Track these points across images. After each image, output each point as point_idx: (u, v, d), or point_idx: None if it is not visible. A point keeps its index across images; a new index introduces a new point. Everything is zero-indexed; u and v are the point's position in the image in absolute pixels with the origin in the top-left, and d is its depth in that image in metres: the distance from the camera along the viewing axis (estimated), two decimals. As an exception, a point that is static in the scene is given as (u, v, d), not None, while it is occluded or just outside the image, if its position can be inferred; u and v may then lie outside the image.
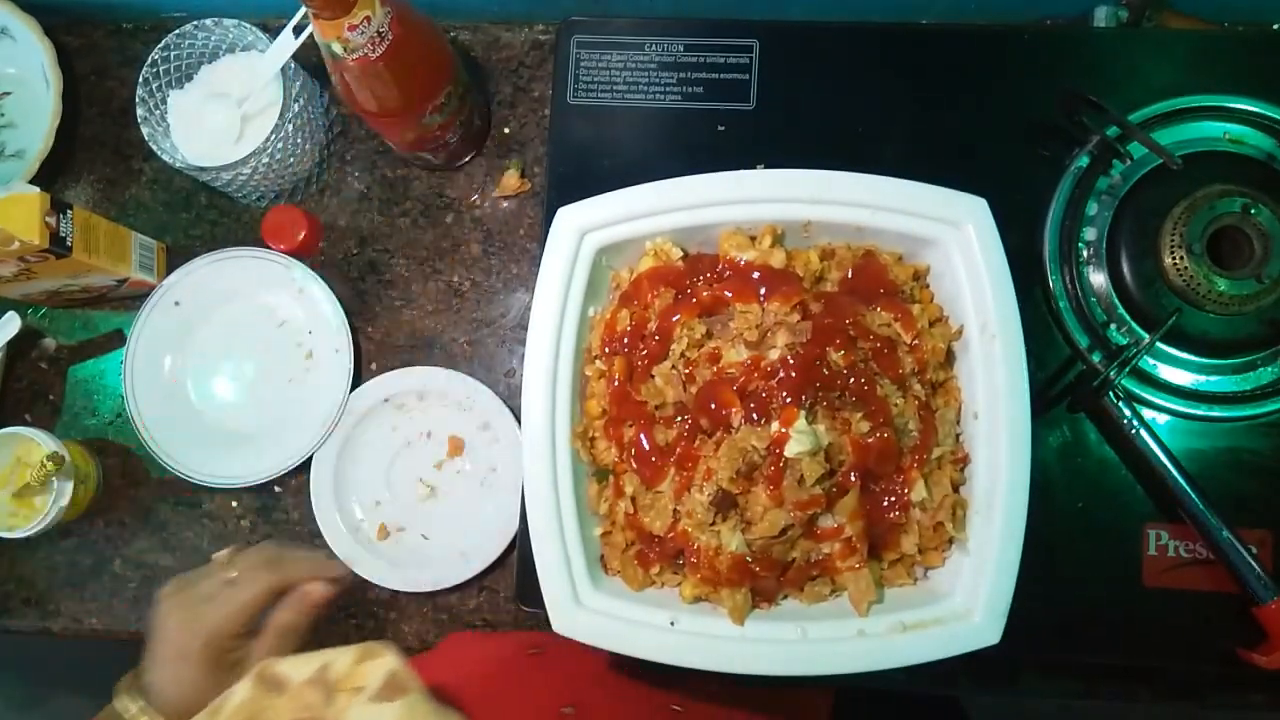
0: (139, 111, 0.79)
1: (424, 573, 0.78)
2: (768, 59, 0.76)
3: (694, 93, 0.76)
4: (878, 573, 0.63)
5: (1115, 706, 0.75)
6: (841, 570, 0.62)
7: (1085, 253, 0.70)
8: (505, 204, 0.84)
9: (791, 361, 0.60)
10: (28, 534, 0.77)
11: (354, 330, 0.82)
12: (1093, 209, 0.70)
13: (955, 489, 0.63)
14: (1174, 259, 0.66)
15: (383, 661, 0.49)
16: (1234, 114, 0.70)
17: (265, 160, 0.79)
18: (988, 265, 0.62)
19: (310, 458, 0.80)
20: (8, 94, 0.90)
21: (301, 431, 0.80)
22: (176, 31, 0.80)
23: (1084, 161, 0.71)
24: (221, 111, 0.81)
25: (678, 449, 0.62)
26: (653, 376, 0.64)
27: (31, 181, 0.83)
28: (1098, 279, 0.70)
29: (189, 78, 0.83)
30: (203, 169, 0.79)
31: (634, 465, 0.63)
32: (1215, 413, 0.68)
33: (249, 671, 0.49)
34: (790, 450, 0.58)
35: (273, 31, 0.79)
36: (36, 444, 0.78)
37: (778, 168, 0.65)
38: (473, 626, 0.79)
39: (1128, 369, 0.65)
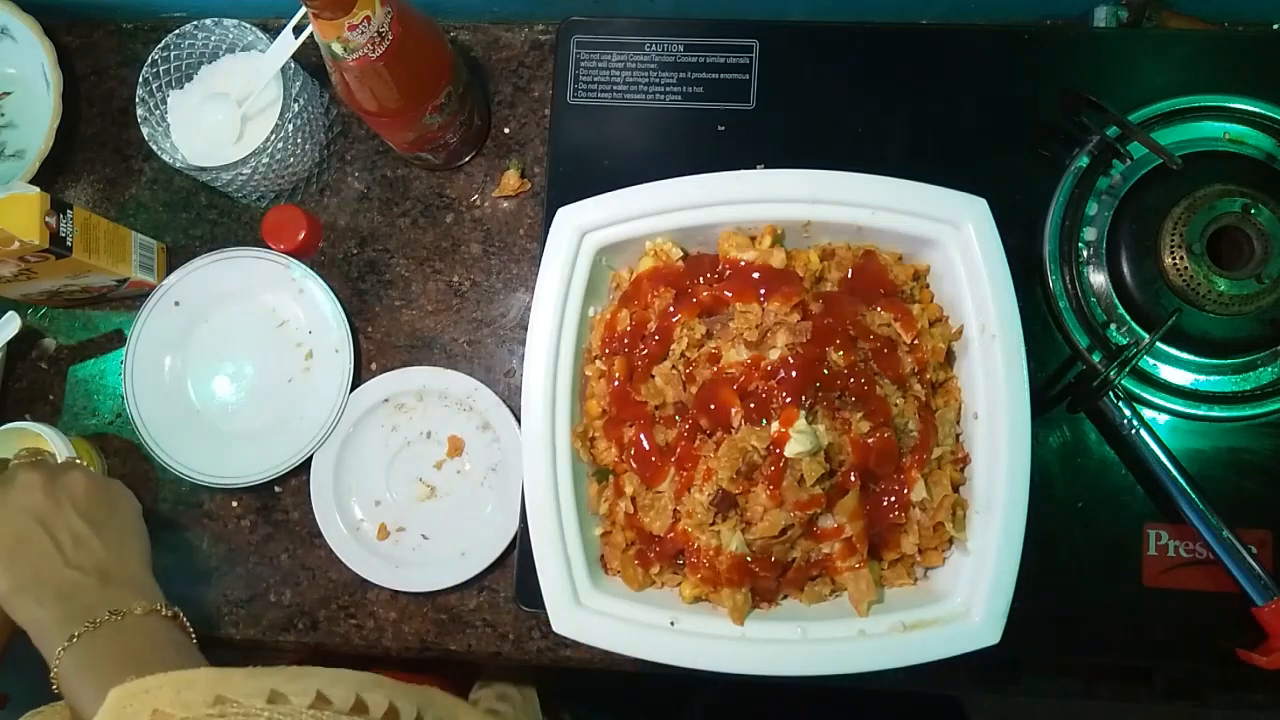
0: (139, 111, 0.79)
1: (424, 573, 0.78)
2: (768, 59, 0.76)
3: (694, 93, 0.76)
4: (878, 573, 0.63)
5: (1115, 706, 0.75)
6: (841, 570, 0.62)
7: (1085, 253, 0.70)
8: (505, 204, 0.84)
9: (791, 361, 0.60)
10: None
11: (354, 330, 0.82)
12: (1093, 209, 0.70)
13: (955, 489, 0.63)
14: (1174, 259, 0.66)
15: None
16: (1234, 114, 0.70)
17: (265, 160, 0.79)
18: (988, 265, 0.62)
19: (310, 458, 0.80)
20: (8, 94, 0.90)
21: (301, 431, 0.80)
22: (176, 31, 0.80)
23: (1084, 161, 0.71)
24: (221, 111, 0.81)
25: (678, 449, 0.62)
26: (653, 376, 0.64)
27: (31, 181, 0.83)
28: (1098, 279, 0.70)
29: (189, 78, 0.83)
30: (203, 169, 0.79)
31: (634, 465, 0.63)
32: (1215, 413, 0.68)
33: None
34: (790, 450, 0.58)
35: (273, 31, 0.79)
36: (42, 439, 0.78)
37: (778, 168, 0.65)
38: (472, 627, 0.79)
39: (1128, 369, 0.65)
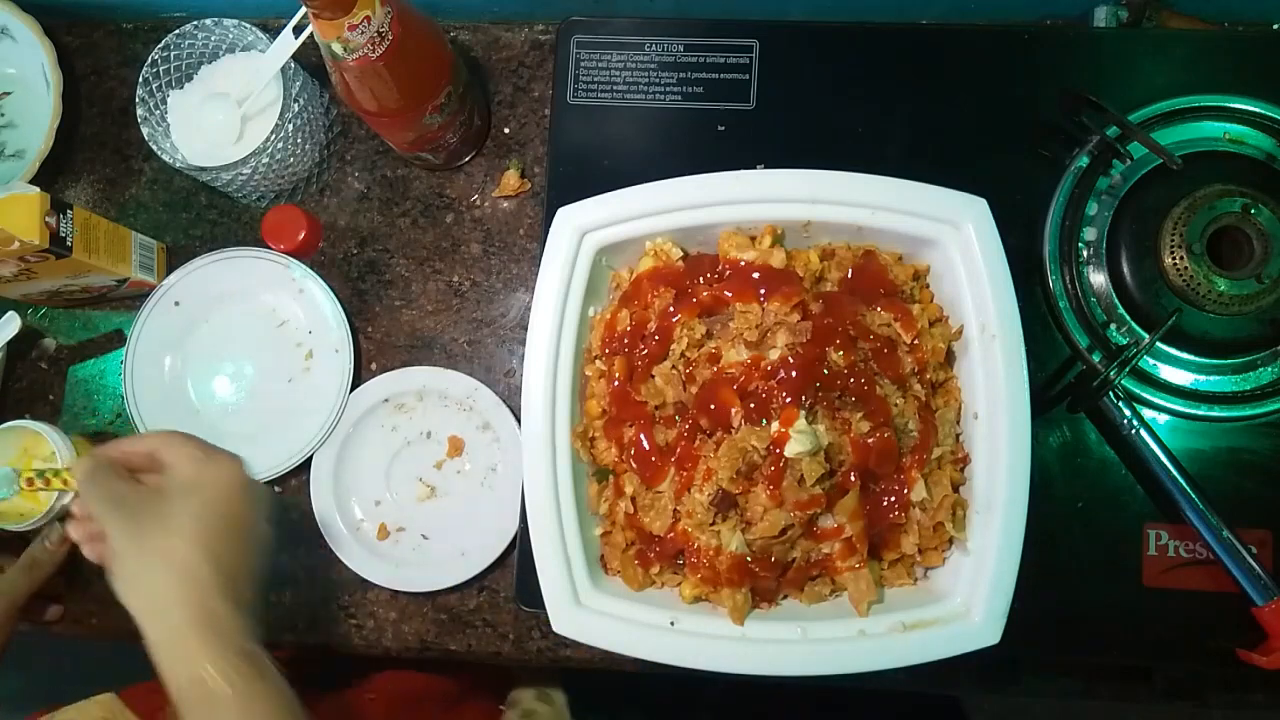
0: (139, 111, 0.79)
1: (424, 573, 0.78)
2: (768, 59, 0.76)
3: (694, 93, 0.76)
4: (878, 573, 0.63)
5: (1115, 706, 0.75)
6: (841, 570, 0.62)
7: (1085, 253, 0.70)
8: (505, 204, 0.84)
9: (791, 361, 0.60)
10: (31, 527, 0.77)
11: (354, 330, 0.82)
12: (1093, 209, 0.70)
13: (955, 489, 0.63)
14: (1174, 259, 0.66)
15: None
16: (1234, 114, 0.70)
17: (265, 160, 0.79)
18: (988, 265, 0.62)
19: (310, 458, 0.80)
20: (8, 94, 0.90)
21: (301, 431, 0.80)
22: (176, 31, 0.80)
23: (1084, 161, 0.71)
24: (221, 111, 0.81)
25: (678, 449, 0.62)
26: (653, 376, 0.64)
27: (31, 181, 0.83)
28: (1098, 279, 0.70)
29: (189, 78, 0.83)
30: (203, 169, 0.79)
31: (634, 465, 0.63)
32: (1215, 413, 0.68)
33: None
34: (790, 450, 0.58)
35: (273, 31, 0.79)
36: (42, 439, 0.78)
37: (778, 168, 0.65)
38: (472, 627, 0.79)
39: (1128, 369, 0.65)
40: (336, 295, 0.81)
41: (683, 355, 0.63)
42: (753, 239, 0.66)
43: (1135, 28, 0.77)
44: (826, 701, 1.11)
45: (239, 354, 0.84)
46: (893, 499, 0.62)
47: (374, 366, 0.83)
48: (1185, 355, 0.68)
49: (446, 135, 0.78)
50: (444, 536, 0.80)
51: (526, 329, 0.64)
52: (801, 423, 0.58)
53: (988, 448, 0.61)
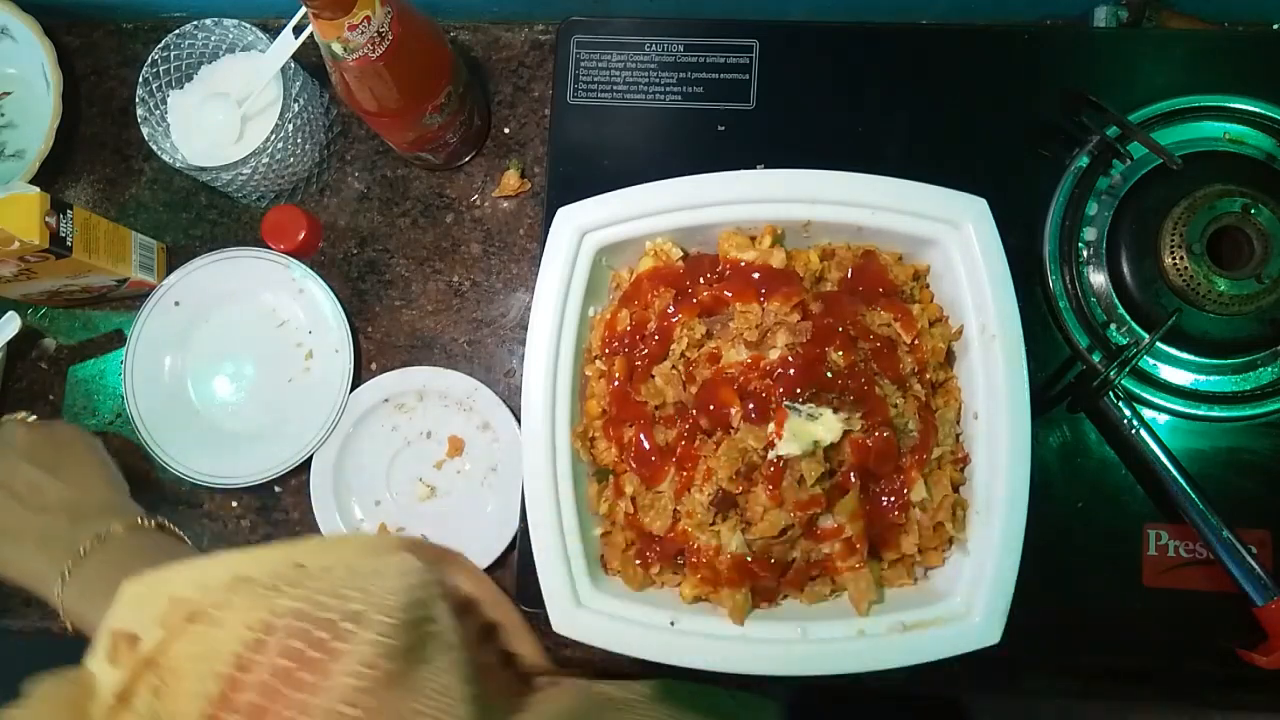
0: (139, 111, 0.79)
1: (424, 573, 0.78)
2: (768, 59, 0.76)
3: (694, 93, 0.76)
4: (878, 573, 0.63)
5: (1115, 706, 0.75)
6: (842, 570, 0.62)
7: (1085, 253, 0.70)
8: (505, 204, 0.84)
9: (791, 361, 0.60)
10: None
11: (354, 330, 0.82)
12: (1093, 209, 0.71)
13: (955, 489, 0.63)
14: (1174, 259, 0.66)
15: None
16: (1234, 114, 0.70)
17: (265, 160, 0.79)
18: (988, 265, 0.62)
19: (310, 458, 0.80)
20: (8, 94, 0.90)
21: (301, 431, 0.80)
22: (176, 31, 0.80)
23: (1084, 161, 0.71)
24: (221, 111, 0.81)
25: (678, 449, 0.62)
26: (653, 376, 0.64)
27: (31, 181, 0.83)
28: (1098, 279, 0.70)
29: (189, 78, 0.83)
30: (203, 169, 0.79)
31: (634, 465, 0.63)
32: (1215, 413, 0.68)
33: None
34: (783, 449, 0.58)
35: (273, 31, 0.79)
36: None
37: (778, 168, 0.65)
38: (473, 626, 0.79)
39: (1128, 369, 0.65)
40: (336, 295, 0.81)
41: (683, 355, 0.63)
42: (753, 239, 0.66)
43: (1135, 28, 0.77)
44: (825, 702, 1.11)
45: (239, 354, 0.84)
46: (893, 499, 0.62)
47: (374, 366, 0.83)
48: (1185, 355, 0.68)
49: (446, 135, 0.78)
50: (444, 536, 0.80)
51: (526, 329, 0.64)
52: (797, 421, 0.58)
53: (988, 448, 0.61)
